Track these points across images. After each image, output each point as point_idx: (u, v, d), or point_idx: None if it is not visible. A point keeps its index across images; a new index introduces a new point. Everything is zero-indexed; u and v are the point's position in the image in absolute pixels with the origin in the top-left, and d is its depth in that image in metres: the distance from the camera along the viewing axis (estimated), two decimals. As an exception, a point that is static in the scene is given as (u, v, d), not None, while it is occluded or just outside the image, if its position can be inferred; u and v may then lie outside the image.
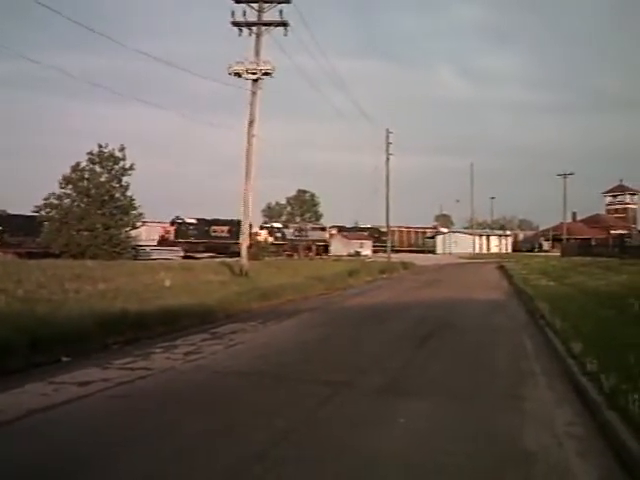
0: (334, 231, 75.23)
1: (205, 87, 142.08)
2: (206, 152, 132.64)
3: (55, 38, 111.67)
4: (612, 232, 75.19)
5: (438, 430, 5.84)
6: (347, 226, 78.22)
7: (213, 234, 50.92)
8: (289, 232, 66.43)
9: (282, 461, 4.94)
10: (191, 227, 52.07)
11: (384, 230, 61.57)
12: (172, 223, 51.92)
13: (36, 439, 5.45)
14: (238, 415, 6.29)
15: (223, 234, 52.14)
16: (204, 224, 51.89)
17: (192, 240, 50.47)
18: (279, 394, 7.22)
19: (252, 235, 55.12)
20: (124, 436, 5.54)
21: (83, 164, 33.60)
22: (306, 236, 68.18)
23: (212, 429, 5.75)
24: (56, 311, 10.90)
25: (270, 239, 60.41)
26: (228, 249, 43.33)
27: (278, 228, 66.23)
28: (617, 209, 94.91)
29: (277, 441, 5.39)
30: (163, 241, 48.67)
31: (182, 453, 5.08)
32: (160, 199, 77.82)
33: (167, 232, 50.82)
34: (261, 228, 64.39)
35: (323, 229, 75.19)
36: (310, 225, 76.28)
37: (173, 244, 48.41)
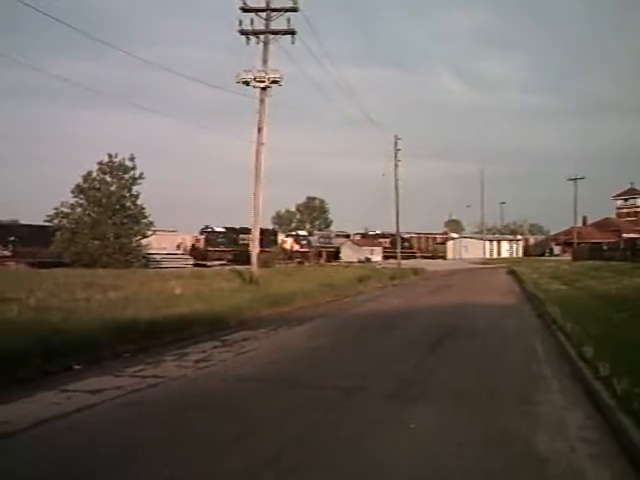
0: (358, 238, 75.55)
1: (212, 95, 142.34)
2: (212, 160, 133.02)
3: (60, 47, 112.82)
4: (623, 236, 74.67)
5: (449, 434, 5.80)
6: (370, 232, 78.06)
7: (242, 242, 51.19)
8: (314, 239, 66.94)
9: (294, 466, 4.94)
10: (220, 236, 52.67)
11: (404, 236, 62.02)
12: (202, 232, 52.67)
13: (44, 449, 5.44)
14: (249, 421, 6.29)
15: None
16: (233, 232, 52.32)
17: (222, 248, 51.18)
18: (291, 400, 7.22)
19: (279, 243, 56.22)
20: (136, 443, 5.55)
21: (94, 174, 33.89)
22: (330, 243, 68.58)
23: (224, 435, 5.77)
24: (68, 319, 10.98)
25: (296, 247, 61.02)
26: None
27: (304, 236, 66.88)
28: (628, 212, 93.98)
29: (289, 446, 5.40)
30: (194, 250, 49.65)
31: (193, 460, 5.09)
32: (168, 207, 78.12)
33: (197, 241, 51.70)
34: (287, 236, 64.97)
35: (347, 236, 75.62)
36: (334, 232, 76.73)
37: (204, 253, 49.28)
